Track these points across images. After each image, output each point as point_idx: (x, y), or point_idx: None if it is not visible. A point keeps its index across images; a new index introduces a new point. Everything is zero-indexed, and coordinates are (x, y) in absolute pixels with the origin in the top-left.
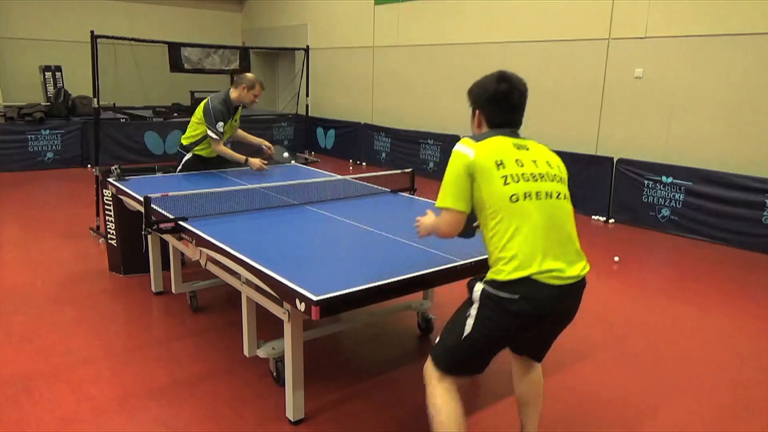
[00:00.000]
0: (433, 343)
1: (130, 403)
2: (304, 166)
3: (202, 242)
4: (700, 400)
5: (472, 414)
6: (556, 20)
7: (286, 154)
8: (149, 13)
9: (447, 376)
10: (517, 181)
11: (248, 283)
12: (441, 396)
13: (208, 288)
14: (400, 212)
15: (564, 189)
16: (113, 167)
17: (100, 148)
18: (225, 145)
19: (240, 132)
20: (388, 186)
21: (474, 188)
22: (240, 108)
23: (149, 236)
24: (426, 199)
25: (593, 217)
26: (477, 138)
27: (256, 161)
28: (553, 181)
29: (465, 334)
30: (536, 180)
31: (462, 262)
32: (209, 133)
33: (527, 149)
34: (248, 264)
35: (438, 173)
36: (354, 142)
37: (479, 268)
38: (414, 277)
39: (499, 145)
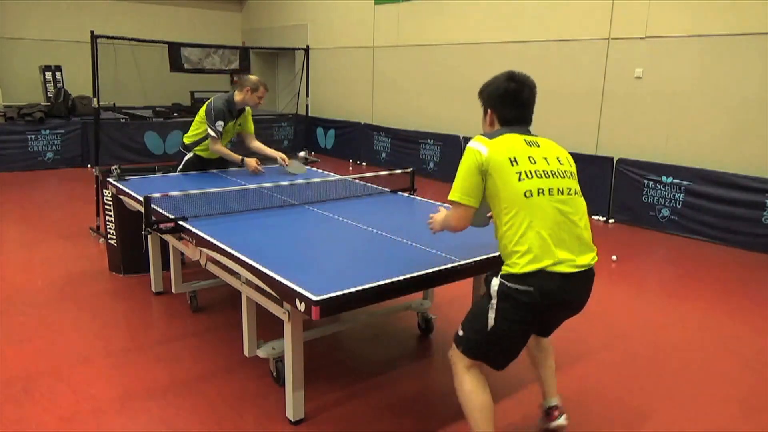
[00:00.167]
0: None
1: (130, 403)
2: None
3: (202, 242)
4: (700, 400)
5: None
6: (556, 20)
7: (303, 166)
8: (149, 13)
9: (473, 365)
10: (531, 178)
11: (248, 283)
12: (470, 382)
13: (208, 288)
14: (400, 212)
15: (575, 185)
16: (113, 167)
17: (100, 148)
18: (226, 146)
19: (256, 143)
20: (388, 186)
21: (488, 184)
22: (248, 111)
23: (149, 236)
24: (426, 199)
25: (593, 217)
26: (490, 136)
27: (251, 162)
28: (564, 177)
29: (489, 327)
30: (548, 177)
31: (462, 262)
32: (208, 131)
33: (538, 146)
34: (248, 264)
35: (438, 173)
36: (354, 142)
37: (479, 268)
38: (414, 277)
39: (512, 142)
